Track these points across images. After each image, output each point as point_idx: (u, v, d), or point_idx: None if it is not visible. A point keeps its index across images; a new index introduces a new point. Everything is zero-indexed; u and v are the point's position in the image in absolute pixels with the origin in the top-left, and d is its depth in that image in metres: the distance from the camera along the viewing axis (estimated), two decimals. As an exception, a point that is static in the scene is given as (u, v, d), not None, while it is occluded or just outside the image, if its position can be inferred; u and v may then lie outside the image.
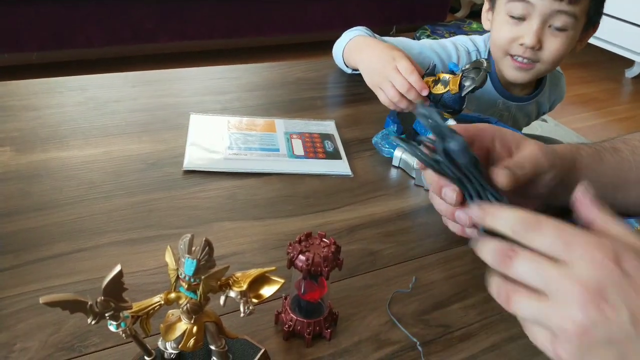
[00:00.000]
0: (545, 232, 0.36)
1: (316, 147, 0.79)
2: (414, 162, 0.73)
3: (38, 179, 0.66)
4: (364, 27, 1.00)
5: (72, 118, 0.79)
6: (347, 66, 0.98)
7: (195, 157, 0.73)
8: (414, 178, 0.74)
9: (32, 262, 0.54)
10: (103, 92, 0.88)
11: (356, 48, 0.94)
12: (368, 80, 0.86)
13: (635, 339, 0.32)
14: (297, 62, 1.09)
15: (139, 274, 0.53)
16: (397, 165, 0.76)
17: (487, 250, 0.38)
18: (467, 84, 0.73)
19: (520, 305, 0.36)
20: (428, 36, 3.03)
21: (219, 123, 0.81)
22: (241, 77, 1.00)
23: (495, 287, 0.37)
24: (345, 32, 1.01)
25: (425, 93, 0.76)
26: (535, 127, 2.63)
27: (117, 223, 0.60)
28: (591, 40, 2.99)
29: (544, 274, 0.35)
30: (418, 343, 0.49)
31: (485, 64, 0.74)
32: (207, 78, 0.98)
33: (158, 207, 0.63)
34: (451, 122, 0.78)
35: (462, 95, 0.74)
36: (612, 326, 0.32)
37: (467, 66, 0.74)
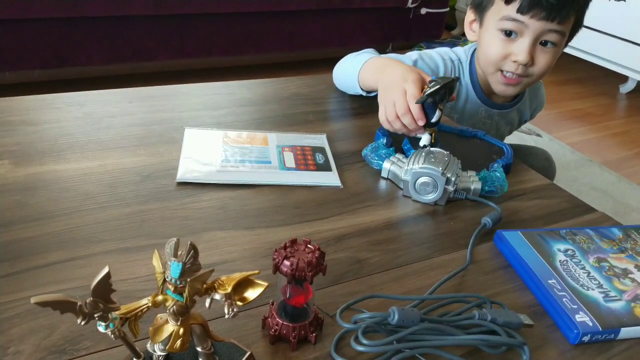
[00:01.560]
0: None
1: (307, 159, 0.81)
2: (402, 173, 0.75)
3: (35, 191, 0.68)
4: (371, 49, 1.02)
5: (70, 132, 0.81)
6: (361, 88, 0.99)
7: (188, 169, 0.75)
8: (402, 189, 0.76)
9: (28, 270, 0.55)
10: (100, 108, 0.90)
11: (376, 69, 0.93)
12: (379, 96, 0.86)
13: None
14: (291, 78, 1.12)
15: (131, 281, 0.55)
16: (385, 176, 0.78)
17: None
18: (425, 93, 0.76)
19: None
20: (425, 53, 3.06)
21: (212, 137, 0.84)
22: (236, 93, 1.02)
23: None
24: (350, 55, 1.02)
25: (421, 123, 0.78)
26: (529, 142, 2.64)
27: (111, 232, 0.62)
28: (586, 57, 3.05)
29: None
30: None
31: (450, 80, 0.76)
32: (202, 94, 1.00)
33: (151, 217, 0.65)
34: (425, 136, 0.80)
35: (417, 103, 0.77)
36: None
37: (435, 79, 0.77)
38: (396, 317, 0.49)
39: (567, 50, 3.34)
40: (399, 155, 0.79)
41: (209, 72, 2.61)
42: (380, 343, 0.48)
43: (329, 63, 1.05)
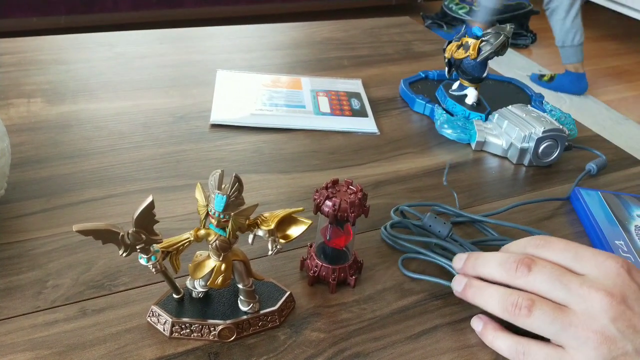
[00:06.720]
0: (554, 246, 0.37)
1: (342, 104, 0.78)
2: (505, 142, 0.70)
3: (68, 129, 0.67)
4: None
5: (101, 72, 0.80)
6: None
7: (222, 111, 0.73)
8: (496, 154, 0.72)
9: (64, 206, 0.55)
10: (131, 48, 0.88)
11: None
12: None
13: None
14: (323, 22, 1.08)
15: (168, 220, 0.54)
16: (479, 149, 0.72)
17: (496, 264, 0.39)
18: (485, 49, 0.71)
19: (541, 313, 0.35)
20: None
21: (245, 79, 0.81)
22: (268, 36, 0.99)
23: (514, 295, 0.37)
24: None
25: None
26: (564, 99, 2.57)
27: (147, 172, 0.61)
28: (625, 11, 2.90)
29: (564, 280, 0.35)
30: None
31: (507, 29, 0.72)
32: (233, 36, 0.97)
33: (186, 158, 0.64)
34: (472, 93, 0.76)
35: (478, 60, 0.72)
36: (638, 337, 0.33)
37: (489, 31, 0.73)
38: (425, 220, 0.53)
39: (605, 4, 3.18)
40: (478, 121, 0.74)
41: (234, 21, 2.56)
42: (402, 237, 0.53)
43: (360, 12, 1.00)
